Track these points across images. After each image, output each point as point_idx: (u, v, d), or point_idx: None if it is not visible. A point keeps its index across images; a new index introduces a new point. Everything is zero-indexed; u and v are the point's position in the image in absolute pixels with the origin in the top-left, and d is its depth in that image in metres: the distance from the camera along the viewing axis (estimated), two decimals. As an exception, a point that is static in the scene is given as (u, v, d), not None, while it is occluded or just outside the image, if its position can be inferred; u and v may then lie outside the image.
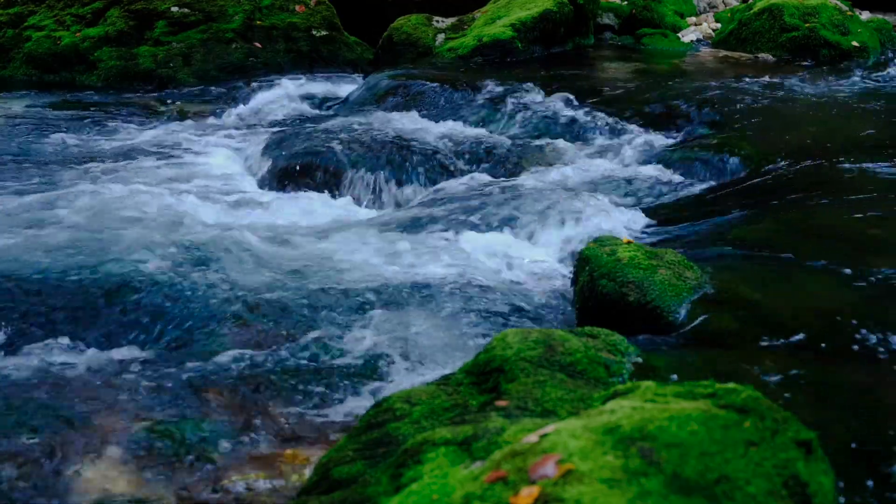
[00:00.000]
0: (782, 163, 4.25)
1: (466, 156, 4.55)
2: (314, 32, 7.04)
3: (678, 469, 1.32)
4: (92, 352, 2.68)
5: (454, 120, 5.13)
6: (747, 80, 5.94)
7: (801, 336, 2.43)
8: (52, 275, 3.06)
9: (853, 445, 1.89)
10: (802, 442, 1.41)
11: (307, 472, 2.07)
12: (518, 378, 1.94)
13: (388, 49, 7.01)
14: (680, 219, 3.78)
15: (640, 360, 2.18)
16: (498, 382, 1.95)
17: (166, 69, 6.60)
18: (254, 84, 6.21)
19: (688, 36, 7.72)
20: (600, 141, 4.90)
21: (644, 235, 3.60)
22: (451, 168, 4.44)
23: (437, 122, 5.05)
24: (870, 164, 4.06)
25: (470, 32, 6.85)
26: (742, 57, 6.98)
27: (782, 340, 2.41)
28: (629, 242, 2.85)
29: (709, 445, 1.35)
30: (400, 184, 4.31)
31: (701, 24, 8.08)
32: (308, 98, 6.08)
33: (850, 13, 7.17)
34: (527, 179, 4.20)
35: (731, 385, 1.52)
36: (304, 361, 2.63)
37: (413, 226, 3.70)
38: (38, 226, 3.55)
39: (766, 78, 6.03)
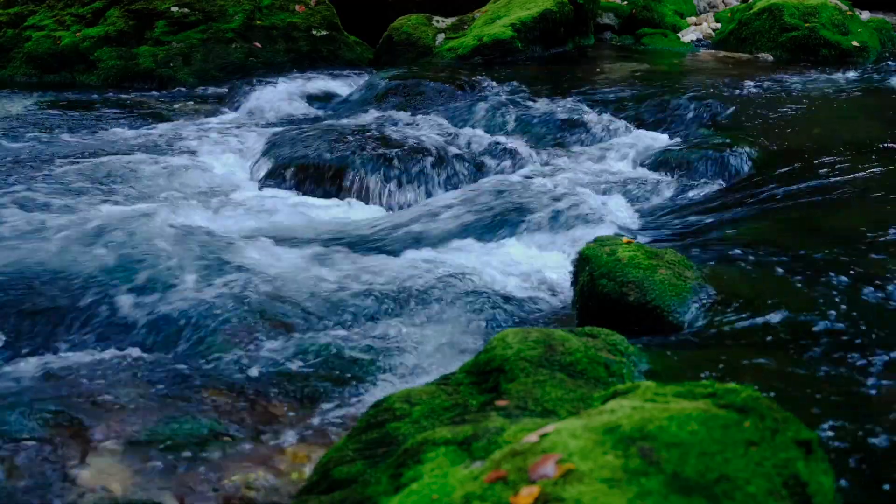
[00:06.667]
0: (782, 162, 4.26)
1: (467, 156, 4.55)
2: (314, 32, 7.05)
3: (678, 469, 1.32)
4: (91, 352, 2.67)
5: (454, 120, 5.13)
6: (747, 80, 5.94)
7: (801, 336, 2.43)
8: (52, 276, 3.06)
9: (853, 445, 1.89)
10: (802, 442, 1.40)
11: (307, 472, 2.07)
12: (518, 378, 1.94)
13: (388, 49, 7.01)
14: (680, 218, 3.79)
15: (648, 367, 2.18)
16: (498, 382, 1.95)
17: (166, 69, 6.61)
18: (254, 84, 6.20)
19: (688, 36, 7.72)
20: (600, 141, 4.90)
21: (644, 235, 3.60)
22: (452, 169, 4.44)
23: (436, 122, 5.05)
24: (871, 164, 4.06)
25: (470, 32, 6.85)
26: (742, 57, 6.99)
27: (782, 340, 2.41)
28: (629, 242, 2.85)
29: (709, 445, 1.35)
30: (400, 185, 4.31)
31: (701, 24, 8.07)
32: (308, 98, 6.07)
33: (850, 13, 7.17)
34: (526, 180, 4.20)
35: (731, 385, 1.52)
36: (303, 361, 2.63)
37: (413, 226, 3.70)
38: (38, 227, 3.54)
39: (766, 78, 6.03)
